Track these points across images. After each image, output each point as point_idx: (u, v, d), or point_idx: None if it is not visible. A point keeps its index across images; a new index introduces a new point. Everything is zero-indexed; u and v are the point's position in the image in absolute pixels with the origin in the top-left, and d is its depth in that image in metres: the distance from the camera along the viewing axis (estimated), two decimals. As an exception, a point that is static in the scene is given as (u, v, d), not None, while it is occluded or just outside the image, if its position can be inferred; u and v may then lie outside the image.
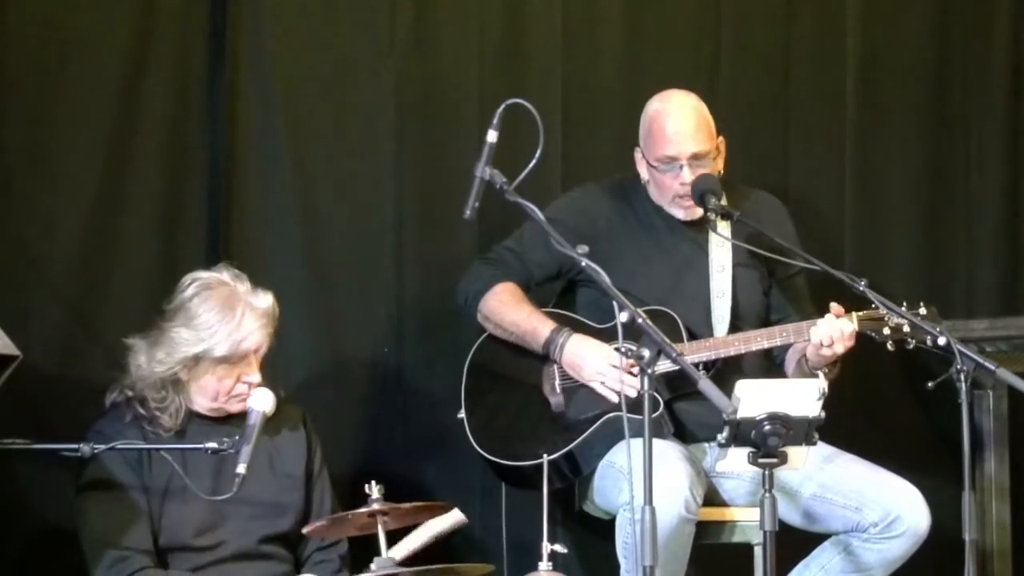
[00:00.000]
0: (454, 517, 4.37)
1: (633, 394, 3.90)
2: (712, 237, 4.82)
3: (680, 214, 4.83)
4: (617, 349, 3.97)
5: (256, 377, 4.41)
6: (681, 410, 4.71)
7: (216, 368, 4.38)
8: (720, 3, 5.60)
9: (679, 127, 4.77)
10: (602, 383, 4.67)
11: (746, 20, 5.63)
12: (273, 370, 4.92)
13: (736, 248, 4.83)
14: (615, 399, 4.61)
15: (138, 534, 4.31)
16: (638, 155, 4.88)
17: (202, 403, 4.43)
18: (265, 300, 4.45)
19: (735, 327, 4.77)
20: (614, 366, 4.61)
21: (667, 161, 4.77)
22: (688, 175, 4.75)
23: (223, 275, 4.45)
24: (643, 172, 4.88)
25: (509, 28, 5.39)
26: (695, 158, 4.76)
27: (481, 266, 4.90)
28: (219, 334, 4.35)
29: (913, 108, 5.76)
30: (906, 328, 4.61)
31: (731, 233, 4.82)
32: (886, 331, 4.65)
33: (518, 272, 4.86)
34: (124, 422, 4.37)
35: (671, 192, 4.80)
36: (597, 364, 4.66)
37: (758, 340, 4.71)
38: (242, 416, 4.37)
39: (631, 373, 4.42)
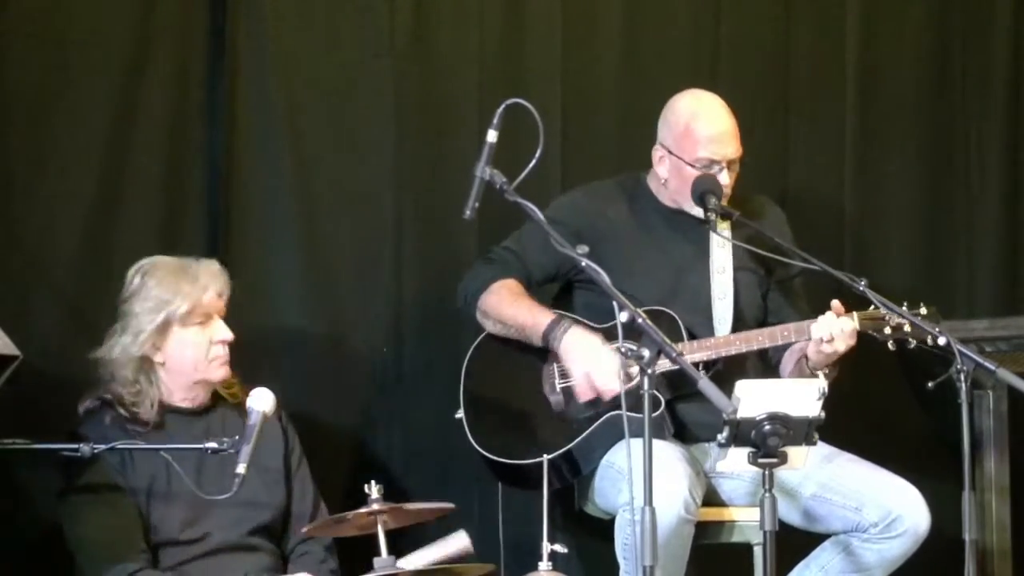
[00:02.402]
0: (460, 542, 4.31)
1: (607, 398, 3.90)
2: (713, 238, 4.79)
3: (700, 212, 4.76)
4: (618, 349, 3.96)
5: (228, 334, 4.46)
6: (682, 410, 4.70)
7: (185, 333, 4.40)
8: (720, 3, 5.60)
9: (720, 129, 4.75)
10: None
11: (746, 19, 5.63)
12: (272, 369, 4.93)
13: (737, 250, 4.81)
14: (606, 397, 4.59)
15: (133, 537, 4.32)
16: (659, 152, 4.82)
17: (180, 385, 4.44)
18: (212, 262, 4.51)
19: (736, 330, 4.74)
20: (591, 374, 4.58)
21: (708, 163, 4.74)
22: (727, 178, 4.73)
23: (161, 256, 4.52)
24: (663, 171, 4.83)
25: (509, 28, 5.39)
26: (732, 162, 4.76)
27: (481, 266, 4.88)
28: (178, 295, 4.39)
29: (913, 108, 5.76)
30: (907, 328, 4.61)
31: (731, 235, 4.81)
32: (887, 330, 4.64)
33: (518, 271, 4.83)
34: (105, 424, 4.39)
35: None
36: (580, 368, 4.62)
37: (759, 339, 4.69)
38: (220, 405, 4.48)
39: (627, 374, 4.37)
